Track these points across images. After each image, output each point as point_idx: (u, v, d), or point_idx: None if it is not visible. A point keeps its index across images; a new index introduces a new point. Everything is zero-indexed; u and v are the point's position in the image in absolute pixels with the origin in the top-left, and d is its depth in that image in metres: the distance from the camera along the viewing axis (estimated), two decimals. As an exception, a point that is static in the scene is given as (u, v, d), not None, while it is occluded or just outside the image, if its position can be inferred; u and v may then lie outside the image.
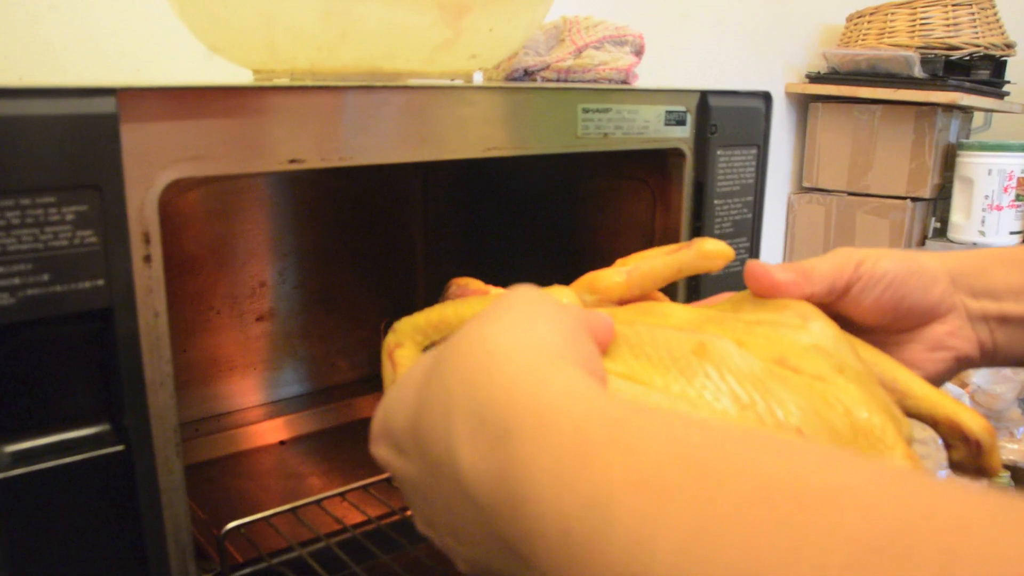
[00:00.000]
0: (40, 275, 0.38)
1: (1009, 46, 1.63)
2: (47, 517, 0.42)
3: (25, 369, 0.40)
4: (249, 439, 0.88)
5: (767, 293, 0.42)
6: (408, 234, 1.02)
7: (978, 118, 1.88)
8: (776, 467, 0.20)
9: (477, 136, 0.53)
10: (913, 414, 0.46)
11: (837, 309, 0.44)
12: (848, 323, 0.44)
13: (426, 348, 0.51)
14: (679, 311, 0.46)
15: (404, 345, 0.52)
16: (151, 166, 0.41)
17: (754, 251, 0.73)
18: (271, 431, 0.90)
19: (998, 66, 1.71)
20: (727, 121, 0.67)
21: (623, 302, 0.49)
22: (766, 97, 0.71)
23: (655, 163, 0.68)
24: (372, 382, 0.99)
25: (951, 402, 0.46)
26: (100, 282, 0.40)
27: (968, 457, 0.46)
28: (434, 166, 0.99)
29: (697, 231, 0.68)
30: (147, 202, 0.41)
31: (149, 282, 0.42)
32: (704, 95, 0.66)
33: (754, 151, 0.71)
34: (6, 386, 0.40)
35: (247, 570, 0.57)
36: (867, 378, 0.42)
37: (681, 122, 0.65)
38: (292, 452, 0.87)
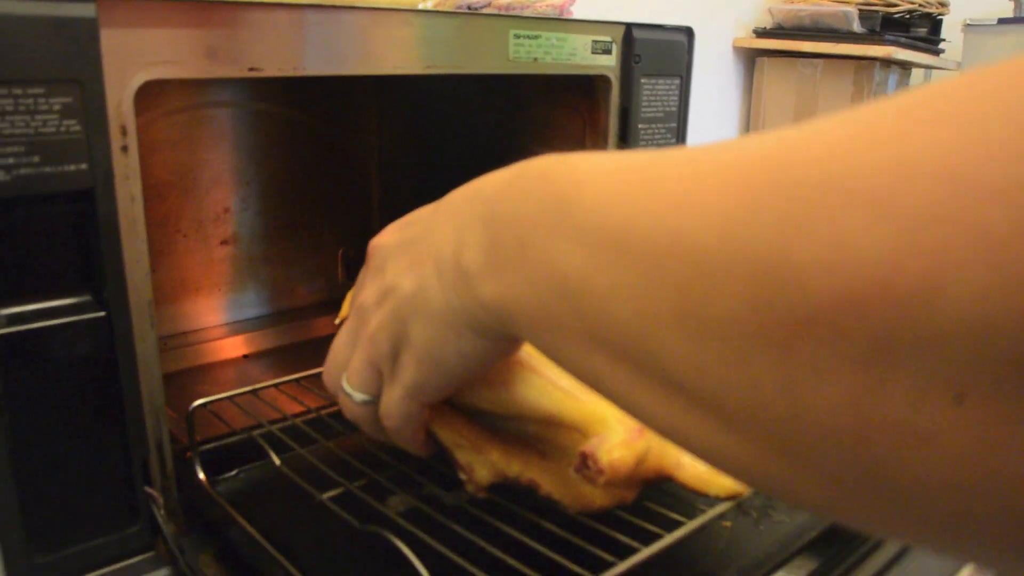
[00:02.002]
0: (31, 157, 0.45)
1: (943, 4, 1.71)
2: (39, 371, 0.48)
3: (19, 242, 0.47)
4: (214, 353, 0.95)
5: None
6: (364, 168, 1.08)
7: (917, 75, 1.97)
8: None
9: (417, 55, 0.60)
10: None
11: None
12: None
13: None
14: None
15: None
16: (127, 66, 0.47)
17: (677, 175, 0.81)
18: (234, 346, 0.96)
19: (935, 24, 1.79)
20: (651, 52, 0.74)
21: None
22: (688, 32, 0.78)
23: (585, 91, 0.75)
24: (328, 306, 1.05)
25: None
26: (83, 166, 0.47)
27: None
28: (387, 102, 1.05)
29: (623, 153, 0.75)
30: (124, 98, 0.48)
31: (126, 169, 0.49)
32: (629, 27, 0.73)
33: (677, 81, 0.78)
34: (3, 256, 0.46)
35: (212, 444, 0.64)
36: None
37: (607, 51, 0.72)
38: (254, 365, 0.94)
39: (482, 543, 0.46)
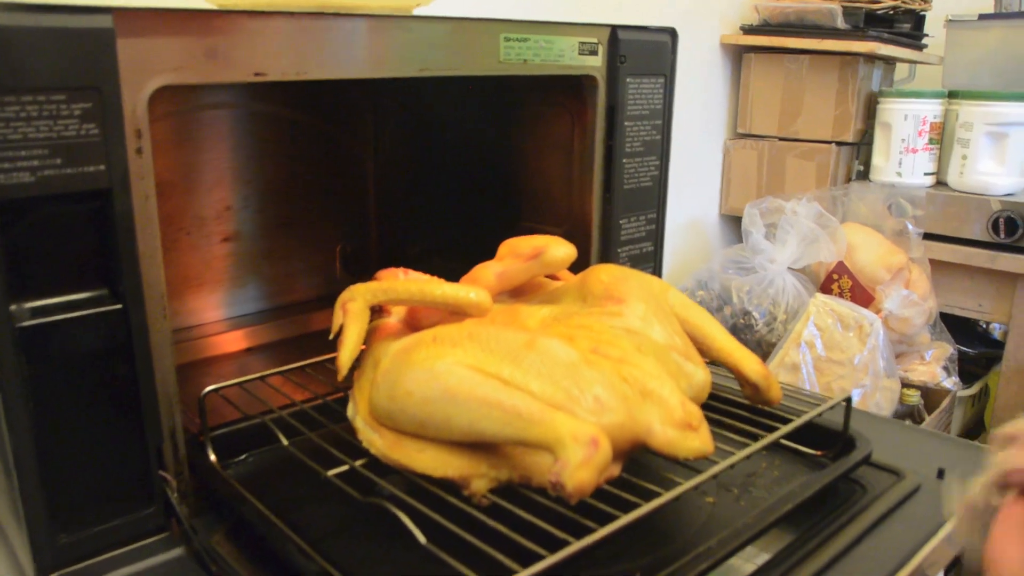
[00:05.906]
0: (54, 159, 0.48)
1: (925, 0, 1.74)
2: (60, 361, 0.51)
3: (42, 239, 0.50)
4: (216, 347, 0.98)
5: None
6: (361, 166, 1.11)
7: (902, 70, 2.00)
8: None
9: (413, 58, 0.63)
10: (715, 360, 0.63)
11: None
12: None
13: (372, 307, 0.63)
14: (536, 314, 0.62)
15: (356, 300, 0.63)
16: (142, 73, 0.51)
17: (663, 169, 0.84)
18: (236, 340, 0.99)
19: (918, 20, 1.83)
20: (635, 53, 0.77)
21: (498, 291, 0.66)
22: (672, 33, 0.81)
23: (573, 90, 0.78)
24: (326, 301, 1.08)
25: (738, 350, 0.63)
26: (102, 167, 0.50)
27: (754, 393, 0.63)
28: (383, 102, 1.08)
29: (610, 149, 0.79)
30: (139, 103, 0.51)
31: (141, 170, 0.52)
32: (614, 29, 0.76)
33: (661, 80, 0.81)
34: (26, 253, 0.50)
35: (223, 430, 0.67)
36: (662, 350, 0.58)
37: (593, 52, 0.75)
38: (256, 358, 0.97)
39: (475, 512, 0.50)
